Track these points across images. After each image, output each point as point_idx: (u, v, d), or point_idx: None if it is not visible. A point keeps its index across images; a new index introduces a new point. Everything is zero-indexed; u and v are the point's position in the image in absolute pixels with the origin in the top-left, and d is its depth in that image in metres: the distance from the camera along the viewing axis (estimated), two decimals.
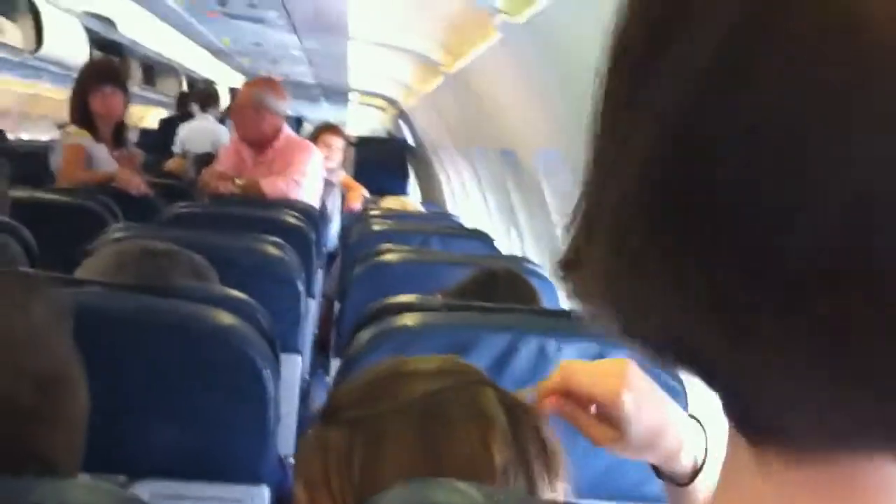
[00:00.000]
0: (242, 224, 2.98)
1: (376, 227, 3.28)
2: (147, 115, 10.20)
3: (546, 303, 1.85)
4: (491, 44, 2.51)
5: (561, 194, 2.64)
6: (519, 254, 3.44)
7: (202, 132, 6.68)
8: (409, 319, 1.55)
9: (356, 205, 4.96)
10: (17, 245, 2.23)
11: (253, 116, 3.83)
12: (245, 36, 7.18)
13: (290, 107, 4.10)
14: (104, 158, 3.87)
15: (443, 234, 3.16)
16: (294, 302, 2.38)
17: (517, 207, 3.34)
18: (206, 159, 5.59)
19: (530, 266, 2.41)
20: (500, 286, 1.81)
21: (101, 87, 3.86)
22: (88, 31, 7.05)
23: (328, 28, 5.44)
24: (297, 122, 11.77)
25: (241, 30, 6.76)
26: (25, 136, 8.49)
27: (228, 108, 7.51)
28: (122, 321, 1.45)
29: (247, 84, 4.17)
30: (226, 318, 1.48)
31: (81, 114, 3.86)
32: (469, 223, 4.14)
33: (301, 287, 2.40)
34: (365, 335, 1.61)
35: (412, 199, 6.05)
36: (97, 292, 1.47)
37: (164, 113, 9.44)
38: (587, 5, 1.63)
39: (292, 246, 2.85)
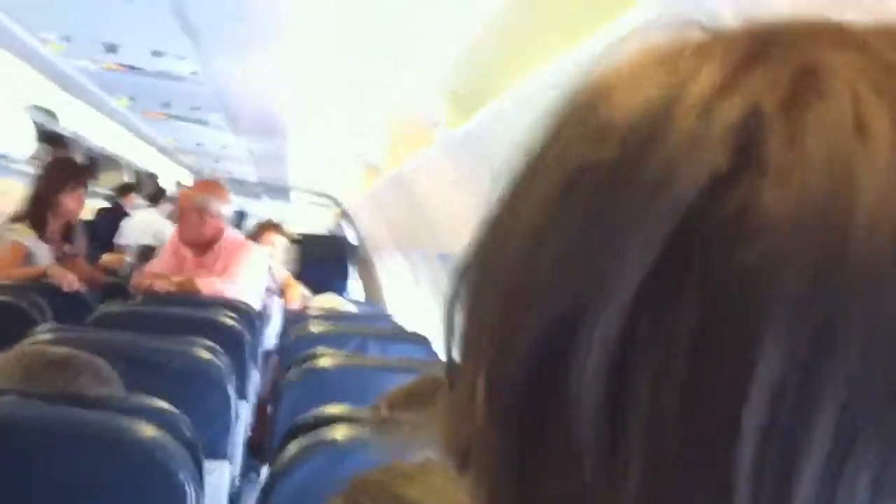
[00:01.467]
0: (176, 324, 2.93)
1: (314, 329, 3.25)
2: (88, 208, 10.11)
3: None
4: (431, 150, 2.54)
5: None
6: None
7: (145, 225, 6.66)
8: (338, 433, 1.53)
9: (294, 304, 4.91)
10: None
11: (195, 220, 3.82)
12: (188, 136, 7.24)
13: (232, 206, 4.10)
14: (44, 256, 3.82)
15: (381, 337, 3.13)
16: (224, 407, 2.33)
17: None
18: (147, 252, 5.55)
19: None
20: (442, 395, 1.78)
21: (77, 187, 3.86)
22: (35, 123, 7.02)
23: (268, 129, 5.49)
24: (239, 216, 11.76)
25: (184, 130, 6.82)
26: None
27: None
28: (40, 432, 1.41)
29: (190, 187, 4.17)
30: (147, 429, 1.44)
31: (37, 210, 3.83)
32: (409, 323, 4.12)
33: (231, 392, 2.35)
34: (294, 447, 1.58)
35: (349, 297, 6.03)
36: (13, 401, 1.42)
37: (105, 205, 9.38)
38: (521, 120, 1.66)
39: (227, 347, 2.80)
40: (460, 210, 2.57)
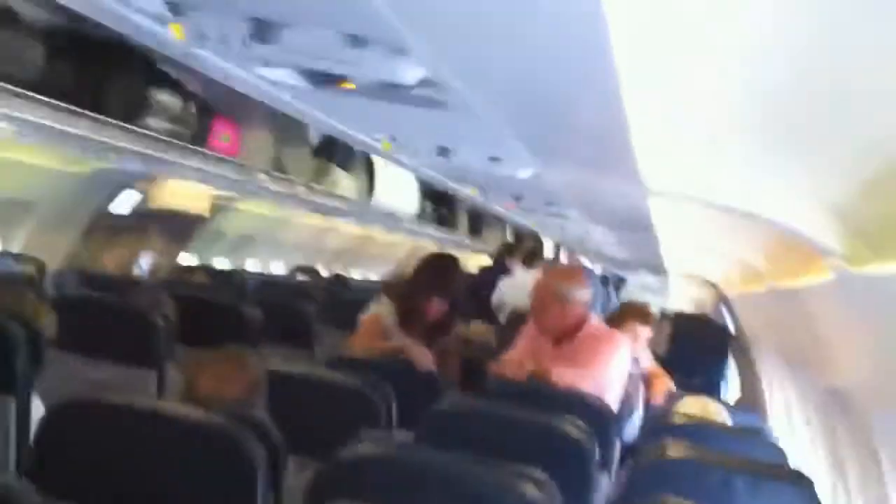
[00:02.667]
0: (509, 431, 2.68)
1: (669, 452, 2.82)
2: (471, 262, 10.46)
3: None
4: (823, 279, 2.09)
5: None
6: None
7: (521, 287, 6.61)
8: None
9: (658, 398, 4.51)
10: (261, 449, 2.05)
11: (556, 311, 3.62)
12: (549, 220, 7.23)
13: (591, 293, 3.81)
14: (400, 338, 3.77)
15: (751, 475, 2.64)
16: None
17: (846, 458, 2.77)
18: (515, 319, 5.44)
19: None
20: None
21: (433, 297, 3.83)
22: (420, 182, 7.30)
23: (633, 225, 5.20)
24: (619, 280, 11.58)
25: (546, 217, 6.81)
26: (357, 276, 8.93)
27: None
28: None
29: (548, 274, 3.99)
30: None
31: (403, 308, 3.83)
32: (785, 444, 3.56)
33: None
34: None
35: (727, 386, 5.49)
36: None
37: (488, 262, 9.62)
38: None
39: (568, 460, 2.59)
40: (854, 349, 2.10)
